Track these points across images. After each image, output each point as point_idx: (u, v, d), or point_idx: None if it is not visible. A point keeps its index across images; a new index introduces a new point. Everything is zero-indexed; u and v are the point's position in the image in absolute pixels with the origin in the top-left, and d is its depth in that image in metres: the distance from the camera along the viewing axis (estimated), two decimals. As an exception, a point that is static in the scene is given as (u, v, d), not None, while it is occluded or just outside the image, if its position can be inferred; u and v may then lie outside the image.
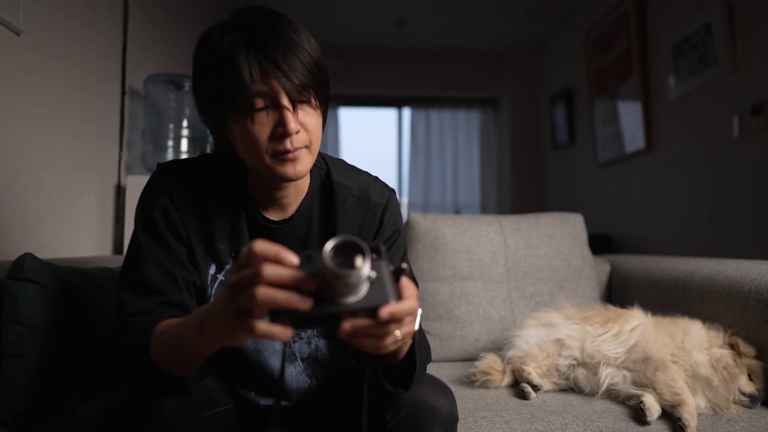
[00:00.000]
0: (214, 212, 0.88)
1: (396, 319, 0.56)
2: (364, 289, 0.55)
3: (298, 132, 0.78)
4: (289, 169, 0.80)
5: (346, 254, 0.53)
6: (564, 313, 1.33)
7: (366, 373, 0.69)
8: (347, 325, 0.55)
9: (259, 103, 0.76)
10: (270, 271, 0.54)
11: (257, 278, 0.54)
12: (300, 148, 0.79)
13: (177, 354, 0.70)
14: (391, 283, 0.57)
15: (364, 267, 0.53)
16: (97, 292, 1.14)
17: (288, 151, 0.78)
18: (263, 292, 0.53)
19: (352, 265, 0.52)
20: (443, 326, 1.57)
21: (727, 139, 2.35)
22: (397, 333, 0.58)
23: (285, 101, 0.76)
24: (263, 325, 0.54)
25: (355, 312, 0.55)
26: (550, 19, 4.02)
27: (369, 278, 0.55)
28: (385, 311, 0.55)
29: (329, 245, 0.53)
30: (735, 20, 2.27)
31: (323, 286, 0.54)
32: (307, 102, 0.79)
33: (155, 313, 0.78)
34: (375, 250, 0.57)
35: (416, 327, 0.66)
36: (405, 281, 0.60)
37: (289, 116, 0.77)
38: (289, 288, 0.54)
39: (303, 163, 0.81)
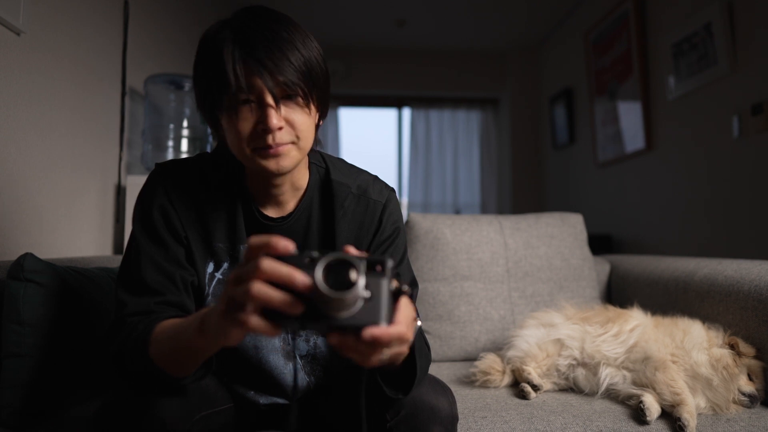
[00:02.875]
0: (212, 210, 0.88)
1: (380, 343, 0.55)
2: (358, 305, 0.54)
3: (281, 129, 0.78)
4: (271, 164, 0.80)
5: (339, 272, 0.52)
6: (564, 313, 1.33)
7: (363, 377, 0.69)
8: (333, 338, 0.55)
9: (243, 98, 0.77)
10: (267, 264, 0.54)
11: (254, 272, 0.54)
12: (284, 144, 0.79)
13: (176, 354, 0.70)
14: (387, 304, 0.55)
15: (356, 287, 0.51)
16: (97, 292, 1.14)
17: (269, 147, 0.79)
18: (258, 286, 0.53)
19: (344, 286, 0.51)
20: (443, 326, 1.57)
21: (727, 140, 2.35)
22: (385, 352, 0.57)
23: (268, 98, 0.77)
24: (255, 320, 0.54)
25: (343, 327, 0.54)
26: (550, 19, 4.02)
27: (363, 298, 0.54)
28: (367, 333, 0.53)
29: (320, 266, 0.52)
30: (735, 20, 2.27)
31: (316, 297, 0.53)
32: (294, 99, 0.79)
33: (154, 313, 0.78)
34: (380, 263, 0.55)
35: (406, 349, 0.64)
36: (403, 304, 0.58)
37: (272, 113, 0.77)
38: (285, 289, 0.54)
39: (288, 159, 0.81)
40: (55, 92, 1.65)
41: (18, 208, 1.48)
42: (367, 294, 0.53)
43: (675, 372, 1.11)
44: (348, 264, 0.52)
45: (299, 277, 0.53)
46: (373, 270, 0.54)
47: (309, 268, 0.54)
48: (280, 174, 0.82)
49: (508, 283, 1.63)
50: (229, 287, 0.56)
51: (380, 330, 0.54)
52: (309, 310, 0.53)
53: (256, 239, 0.56)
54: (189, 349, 0.67)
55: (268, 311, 0.54)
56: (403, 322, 0.57)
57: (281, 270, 0.53)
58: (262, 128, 0.78)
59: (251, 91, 0.77)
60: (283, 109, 0.79)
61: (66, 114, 1.71)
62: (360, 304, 0.54)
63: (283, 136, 0.79)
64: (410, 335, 0.59)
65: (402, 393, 0.80)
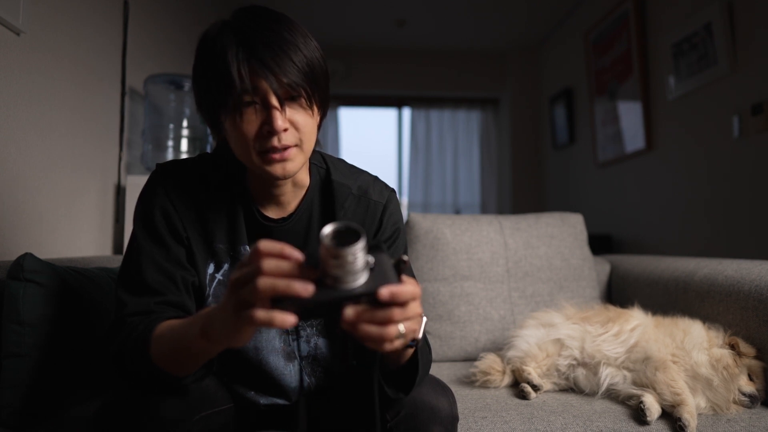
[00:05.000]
0: (212, 211, 0.88)
1: (398, 302, 0.56)
2: (364, 276, 0.56)
3: (286, 130, 0.79)
4: (277, 169, 0.80)
5: (343, 238, 0.54)
6: (564, 313, 1.33)
7: (375, 378, 0.69)
8: (349, 310, 0.55)
9: (248, 100, 0.77)
10: (271, 264, 0.54)
11: (258, 271, 0.54)
12: (289, 146, 0.80)
13: (178, 355, 0.70)
14: (393, 272, 0.58)
15: (361, 246, 0.54)
16: (97, 292, 1.14)
17: (275, 149, 0.79)
18: (263, 281, 0.53)
19: (350, 242, 0.53)
20: (443, 326, 1.57)
21: (727, 140, 2.35)
22: (401, 327, 0.58)
23: (273, 100, 0.77)
24: (262, 313, 0.54)
25: (356, 298, 0.55)
26: (550, 19, 4.02)
27: (368, 263, 0.56)
28: (385, 290, 0.55)
29: (328, 228, 0.54)
30: (735, 20, 2.27)
31: (324, 275, 0.55)
32: (297, 101, 0.80)
33: (154, 313, 0.78)
34: (375, 247, 0.58)
35: (420, 334, 0.66)
36: (406, 276, 0.60)
37: (277, 114, 0.77)
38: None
39: (293, 163, 0.81)
40: (55, 92, 1.65)
41: (18, 208, 1.48)
42: (371, 260, 0.56)
43: (675, 372, 1.11)
44: (352, 231, 0.55)
45: (304, 266, 0.55)
46: (372, 248, 0.58)
47: (309, 260, 0.56)
48: (286, 178, 0.82)
49: (508, 283, 1.63)
50: (234, 289, 0.56)
51: (395, 287, 0.56)
52: (319, 289, 0.55)
53: (264, 245, 0.55)
54: (190, 350, 0.67)
55: (279, 302, 0.54)
56: (411, 282, 0.59)
57: (284, 266, 0.54)
58: (268, 130, 0.78)
59: (256, 92, 0.77)
60: (288, 111, 0.79)
61: (66, 114, 1.71)
62: (366, 274, 0.56)
63: (287, 137, 0.79)
64: (420, 293, 0.60)
65: (403, 392, 0.80)
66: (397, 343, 0.59)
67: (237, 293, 0.56)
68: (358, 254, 0.54)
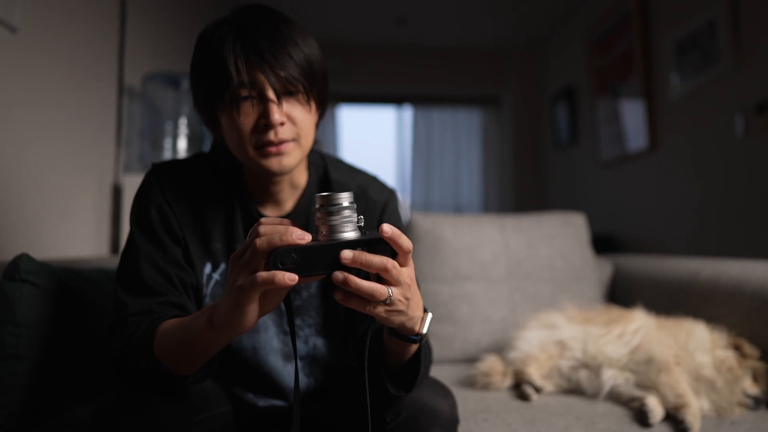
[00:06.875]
0: (209, 210, 0.88)
1: (396, 242, 0.58)
2: (356, 229, 0.60)
3: (282, 124, 0.78)
4: (273, 163, 0.80)
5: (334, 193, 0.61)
6: (566, 314, 1.33)
7: (365, 354, 0.69)
8: (347, 251, 0.57)
9: (245, 93, 0.77)
10: (267, 227, 0.58)
11: (256, 235, 0.57)
12: (286, 141, 0.79)
13: (183, 349, 0.69)
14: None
15: (350, 196, 0.59)
16: (94, 292, 1.13)
17: (272, 143, 0.78)
18: (260, 240, 0.56)
19: (340, 192, 0.59)
20: (444, 327, 1.56)
21: (731, 138, 2.33)
22: (390, 291, 0.60)
23: (270, 93, 0.77)
24: (263, 273, 0.56)
25: (353, 245, 0.58)
26: (552, 17, 4.01)
27: (360, 220, 0.60)
28: (386, 226, 0.57)
29: (321, 193, 0.60)
30: (739, 18, 2.25)
31: (318, 233, 0.59)
32: (295, 96, 0.79)
33: (156, 313, 0.78)
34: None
35: (425, 329, 0.68)
36: None
37: (274, 108, 0.77)
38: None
39: (289, 158, 0.81)
40: (52, 90, 1.64)
41: (14, 208, 1.47)
42: (362, 218, 0.60)
43: (678, 374, 1.10)
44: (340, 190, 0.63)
45: (298, 225, 0.58)
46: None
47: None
48: (282, 174, 0.82)
49: (510, 283, 1.62)
50: (234, 264, 0.59)
51: (398, 230, 0.58)
52: (315, 239, 0.58)
53: (265, 219, 0.59)
54: (195, 344, 0.67)
55: (278, 259, 0.56)
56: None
57: (279, 227, 0.58)
58: (264, 123, 0.77)
59: (253, 86, 0.76)
60: (285, 105, 0.79)
61: (62, 113, 1.70)
62: (359, 231, 0.60)
63: (284, 132, 0.79)
64: (411, 249, 0.62)
65: (404, 390, 0.79)
66: (381, 309, 0.61)
67: (237, 263, 0.58)
68: (349, 203, 0.59)
